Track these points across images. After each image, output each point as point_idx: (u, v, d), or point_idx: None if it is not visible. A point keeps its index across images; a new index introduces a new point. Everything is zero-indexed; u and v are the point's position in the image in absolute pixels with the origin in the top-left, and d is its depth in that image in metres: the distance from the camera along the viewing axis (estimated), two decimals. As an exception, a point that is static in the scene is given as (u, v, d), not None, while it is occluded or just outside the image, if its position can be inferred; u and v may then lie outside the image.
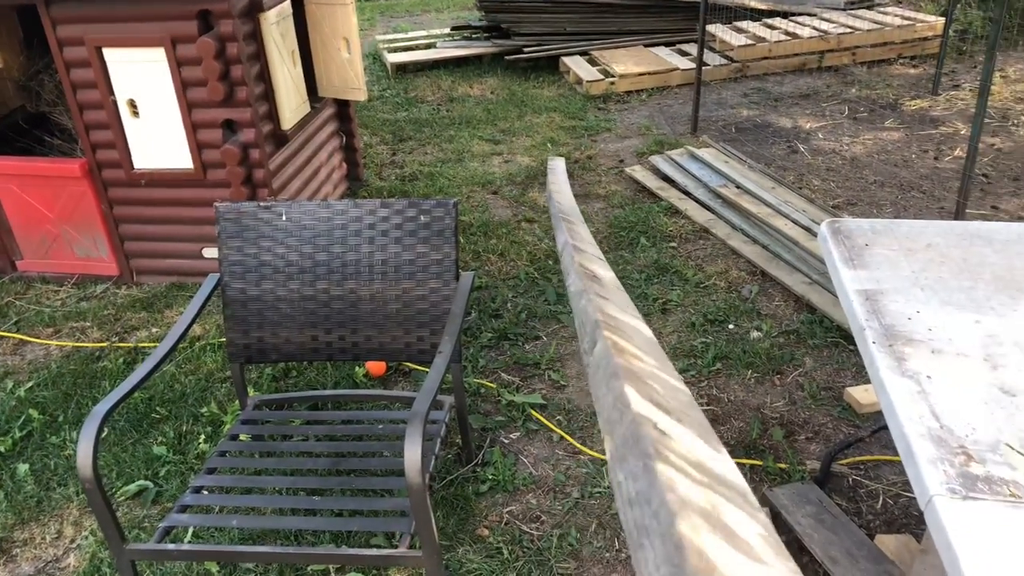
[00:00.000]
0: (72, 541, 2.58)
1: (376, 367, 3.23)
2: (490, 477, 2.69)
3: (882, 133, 5.42)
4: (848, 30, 6.84)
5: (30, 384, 3.33)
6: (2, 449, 2.94)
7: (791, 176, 4.82)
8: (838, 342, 3.25)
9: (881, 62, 6.85)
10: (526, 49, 7.17)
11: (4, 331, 3.72)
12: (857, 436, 2.51)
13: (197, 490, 2.28)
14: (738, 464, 2.68)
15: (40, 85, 4.38)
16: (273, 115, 3.82)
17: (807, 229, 3.95)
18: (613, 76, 6.56)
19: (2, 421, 3.10)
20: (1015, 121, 5.46)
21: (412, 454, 1.86)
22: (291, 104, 3.92)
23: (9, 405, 3.20)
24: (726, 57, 6.86)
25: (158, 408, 3.11)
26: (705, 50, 5.55)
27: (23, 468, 2.86)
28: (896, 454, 2.60)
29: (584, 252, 1.70)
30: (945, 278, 1.95)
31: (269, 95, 3.76)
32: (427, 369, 3.25)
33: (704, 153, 4.97)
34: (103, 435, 2.96)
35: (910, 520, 2.43)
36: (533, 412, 2.99)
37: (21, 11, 4.32)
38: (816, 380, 3.06)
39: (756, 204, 4.28)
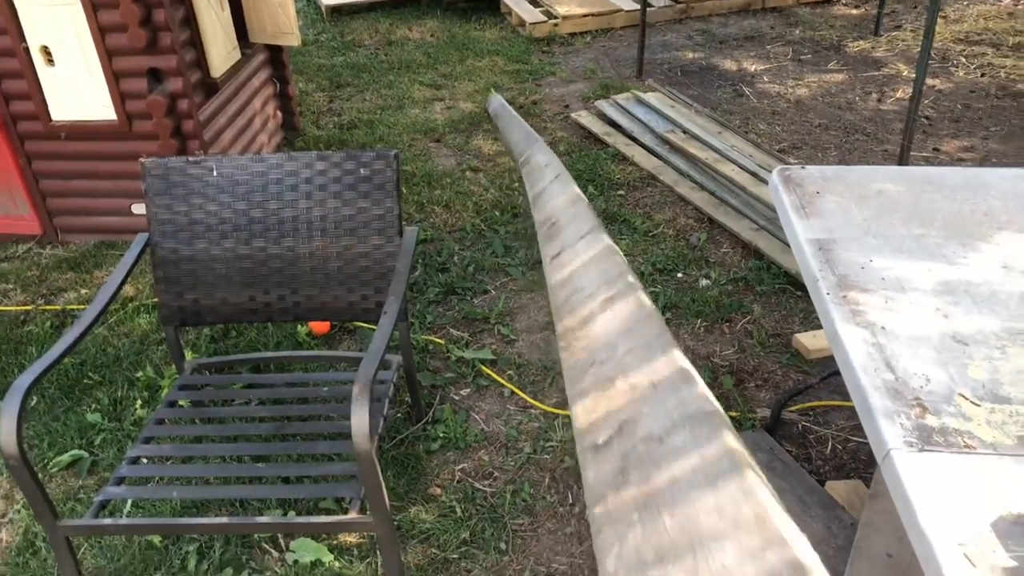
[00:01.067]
0: (3, 515, 2.47)
1: (320, 326, 3.13)
2: (441, 435, 2.64)
3: (826, 75, 5.41)
4: (791, -30, 6.78)
5: (-50, 352, 3.15)
6: (-77, 422, 2.78)
7: (737, 120, 4.79)
8: (786, 288, 3.26)
9: (824, 3, 6.82)
10: (467, -10, 6.96)
11: (-80, 296, 3.51)
12: (806, 383, 2.52)
13: (134, 460, 2.18)
14: (689, 414, 2.68)
15: (-55, 30, 4.07)
16: (201, 62, 3.62)
17: (754, 174, 3.93)
18: (556, 18, 6.41)
19: (-78, 392, 2.93)
20: (954, 62, 5.50)
21: (359, 419, 1.79)
22: (220, 50, 3.71)
23: (-72, 375, 3.03)
24: (670, -2, 6.75)
25: (90, 373, 2.97)
26: (650, -9, 5.43)
27: (-53, 441, 2.70)
28: (845, 399, 2.63)
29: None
30: (896, 225, 1.93)
31: (196, 41, 3.56)
32: (373, 326, 3.16)
33: (650, 97, 4.89)
34: (31, 404, 2.83)
35: (859, 465, 2.46)
36: (483, 368, 2.94)
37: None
38: (765, 327, 3.07)
39: (703, 149, 4.25)
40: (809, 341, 2.91)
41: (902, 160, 3.62)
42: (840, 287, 1.74)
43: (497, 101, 4.79)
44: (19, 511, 2.46)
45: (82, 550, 2.28)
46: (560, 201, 2.83)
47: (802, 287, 3.21)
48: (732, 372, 2.85)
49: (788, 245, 3.41)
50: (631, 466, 1.65)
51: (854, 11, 6.65)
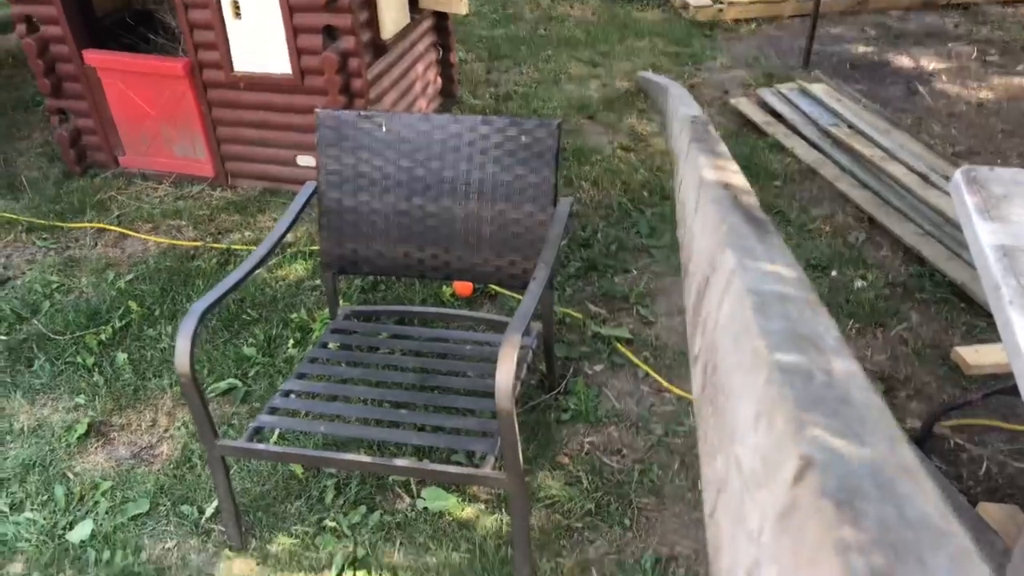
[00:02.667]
0: (166, 430, 2.68)
1: (463, 287, 3.20)
2: (572, 406, 2.65)
3: (1014, 79, 5.02)
4: (985, -36, 6.31)
5: (130, 277, 3.42)
6: (103, 337, 3.05)
7: (908, 119, 4.53)
8: (948, 298, 3.07)
9: (1018, 1, 6.31)
10: (632, -31, 6.86)
11: (107, 223, 3.83)
12: (966, 398, 2.37)
13: (286, 394, 2.31)
14: (832, 416, 2.58)
15: (147, -18, 4.39)
16: (374, 24, 3.75)
17: (923, 176, 3.70)
18: (722, 3, 6.23)
19: (104, 311, 3.21)
20: None
21: (504, 376, 1.82)
22: (392, 13, 3.83)
23: (110, 295, 3.31)
24: (846, -13, 6.43)
25: (249, 310, 3.17)
26: (826, -22, 5.18)
27: (122, 357, 2.96)
28: (1007, 420, 2.46)
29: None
30: (1094, 238, 1.78)
31: (371, 3, 3.68)
32: (514, 294, 3.21)
33: (816, 89, 4.69)
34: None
35: (1015, 491, 2.30)
36: (619, 346, 2.93)
37: (131, -96, 4.30)
38: (921, 336, 2.90)
39: (869, 146, 4.04)
40: (971, 356, 2.73)
41: (1097, 174, 3.32)
42: (1025, 296, 1.62)
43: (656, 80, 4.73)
44: (179, 428, 2.66)
45: (231, 471, 2.44)
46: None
47: (967, 299, 3.02)
48: (883, 379, 2.72)
49: (955, 253, 3.20)
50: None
51: (1052, 12, 6.12)
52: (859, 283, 3.19)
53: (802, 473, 0.50)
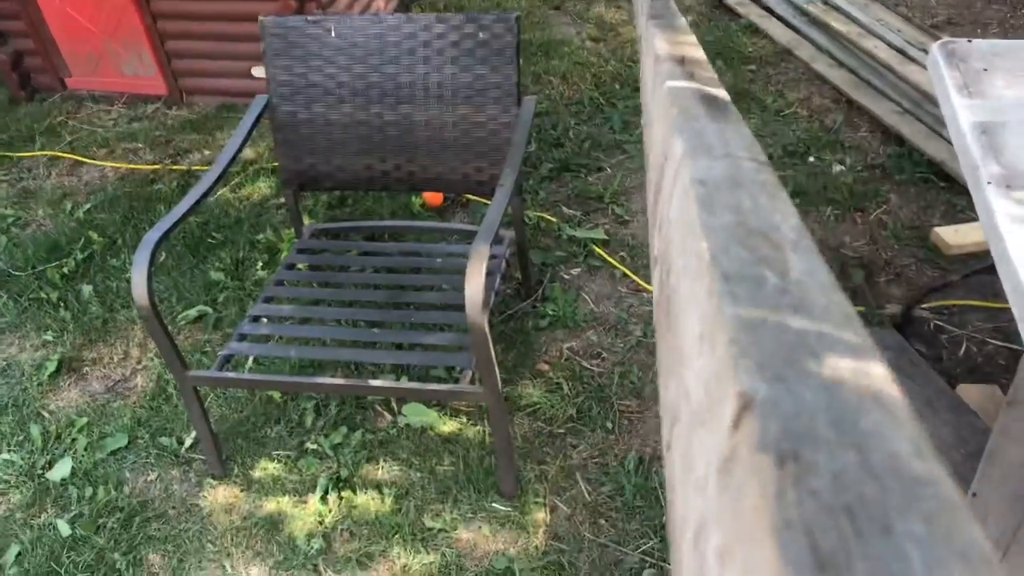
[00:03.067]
0: (139, 362, 2.63)
1: (433, 197, 3.11)
2: (550, 313, 2.62)
3: (995, -59, 4.82)
4: None
5: (88, 206, 3.31)
6: (66, 271, 2.96)
7: (887, -9, 4.35)
8: (928, 178, 3.01)
9: None
10: None
11: (60, 151, 3.68)
12: (946, 279, 2.35)
13: (255, 319, 2.25)
14: (811, 306, 2.55)
15: None
16: (319, -82, 3.51)
17: (902, 52, 3.58)
18: None
19: (64, 243, 3.11)
20: None
21: (473, 291, 1.77)
22: (338, -94, 3.59)
23: (69, 227, 3.20)
24: None
25: (214, 233, 3.07)
26: None
27: (87, 289, 2.88)
28: (986, 299, 2.44)
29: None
30: (1079, 110, 1.71)
31: None
32: (486, 200, 3.12)
33: (790, -36, 4.49)
34: (161, 260, 2.96)
35: (994, 369, 2.31)
36: (595, 248, 2.87)
37: None
38: (901, 219, 2.86)
39: (846, 23, 3.89)
40: (950, 236, 2.70)
41: (1079, 39, 3.22)
42: (1005, 178, 1.56)
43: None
44: (152, 359, 2.61)
45: (208, 399, 2.41)
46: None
47: (947, 178, 2.96)
48: (863, 265, 2.69)
49: (934, 131, 3.13)
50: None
51: None
52: (837, 168, 3.12)
53: (740, 416, 0.42)
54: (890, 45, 3.65)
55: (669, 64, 1.16)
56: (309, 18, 2.34)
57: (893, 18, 3.92)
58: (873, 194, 2.97)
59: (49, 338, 2.72)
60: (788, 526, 0.34)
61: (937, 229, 2.74)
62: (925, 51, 3.57)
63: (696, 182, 0.78)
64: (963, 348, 2.39)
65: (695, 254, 0.65)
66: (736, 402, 0.44)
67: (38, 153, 3.67)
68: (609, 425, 2.25)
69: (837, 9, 4.01)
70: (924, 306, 2.51)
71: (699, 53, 1.27)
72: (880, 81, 3.51)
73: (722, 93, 1.04)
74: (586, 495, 2.09)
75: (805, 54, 3.81)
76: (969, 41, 2.01)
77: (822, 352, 0.50)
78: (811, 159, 3.18)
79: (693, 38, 1.34)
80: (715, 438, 0.43)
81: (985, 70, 1.93)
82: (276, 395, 2.39)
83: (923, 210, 2.89)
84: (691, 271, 0.65)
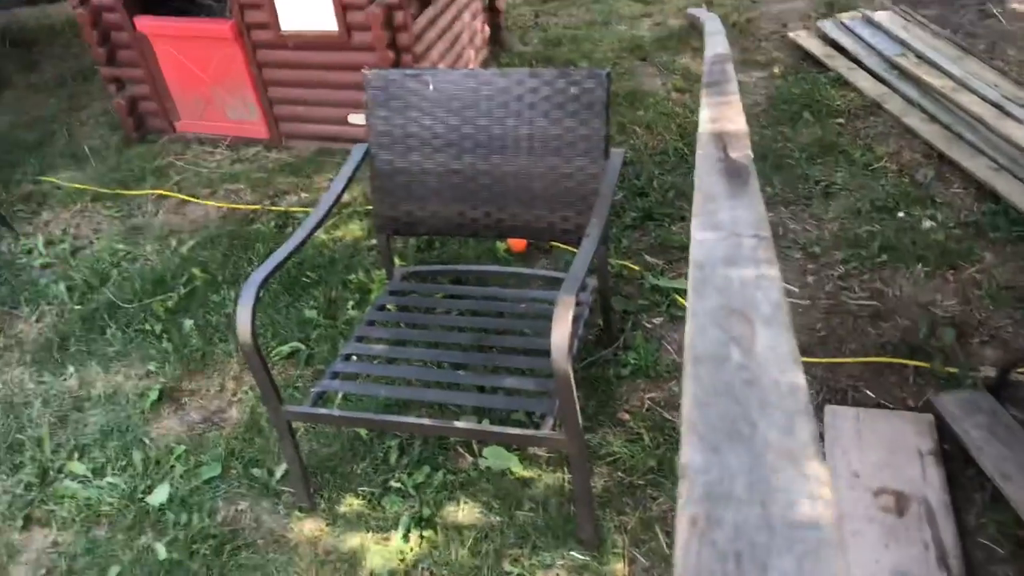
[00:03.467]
0: (234, 395, 2.75)
1: (518, 243, 3.18)
2: (632, 361, 2.63)
3: (1098, -6, 4.69)
4: None
5: (191, 243, 3.49)
6: (170, 304, 3.13)
7: (982, 44, 4.28)
8: (1025, 236, 2.93)
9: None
10: None
11: (167, 190, 3.90)
12: (1043, 344, 2.27)
13: (347, 357, 2.35)
14: (901, 365, 2.51)
15: (191, -56, 4.38)
16: (418, -25, 3.68)
17: (998, 107, 3.51)
18: (780, -73, 5.93)
19: (168, 278, 3.29)
20: None
21: (559, 338, 1.81)
22: (436, -38, 3.75)
23: (174, 262, 3.38)
24: (913, -97, 6.06)
25: (308, 273, 3.21)
26: None
27: (188, 323, 3.04)
28: (1087, 367, 2.35)
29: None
30: None
31: (414, -47, 3.61)
32: (569, 248, 3.17)
33: (880, 16, 4.47)
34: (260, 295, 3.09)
35: (1096, 439, 2.21)
36: (678, 298, 2.89)
37: None
38: (996, 278, 2.79)
39: (938, 76, 3.84)
40: (1049, 298, 2.61)
41: None
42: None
43: (707, 16, 4.56)
44: (247, 392, 2.73)
45: (298, 433, 2.50)
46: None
47: (1046, 237, 2.88)
48: (954, 324, 2.63)
49: (1034, 189, 3.04)
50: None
51: None
52: (928, 223, 3.06)
53: (680, 481, 0.50)
54: (985, 99, 3.58)
55: (706, 140, 1.21)
56: (409, 72, 2.46)
57: (989, 72, 3.85)
58: (967, 252, 2.90)
59: (152, 368, 2.87)
60: (685, 573, 0.42)
61: (1035, 290, 2.66)
62: (1023, 106, 3.49)
63: (695, 265, 0.83)
64: (1063, 415, 2.30)
65: (685, 333, 0.71)
66: (679, 472, 0.52)
67: (148, 192, 3.90)
68: (689, 477, 2.24)
69: (930, 62, 3.96)
70: (1021, 371, 2.43)
71: (739, 125, 1.30)
72: (974, 136, 3.45)
73: (745, 172, 1.08)
74: (665, 548, 2.08)
75: (895, 107, 3.77)
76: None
77: (760, 422, 0.56)
78: (900, 214, 3.13)
79: (738, 108, 1.37)
80: (681, 500, 0.51)
81: (1088, 132, 1.89)
82: (363, 432, 2.47)
83: (1020, 270, 2.81)
84: (685, 348, 0.71)
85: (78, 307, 3.21)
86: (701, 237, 0.80)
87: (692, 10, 4.97)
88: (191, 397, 2.76)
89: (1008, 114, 3.45)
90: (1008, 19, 4.53)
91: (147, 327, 3.04)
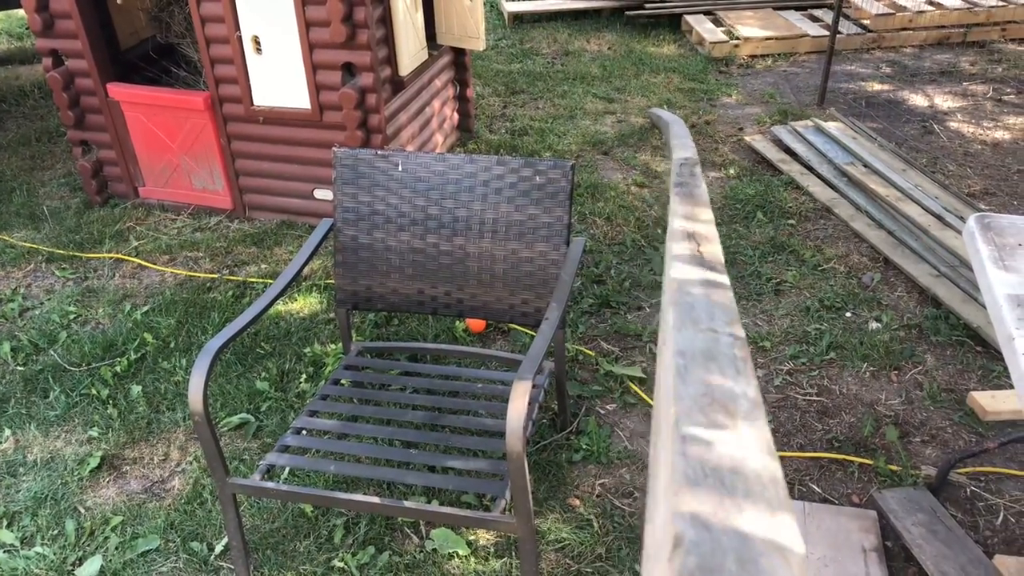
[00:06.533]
0: (178, 465, 2.68)
1: (476, 323, 3.21)
2: (584, 446, 2.64)
3: (1030, 118, 5.01)
4: (1000, 3, 6.33)
5: (146, 308, 3.45)
6: (118, 369, 3.07)
7: (924, 159, 4.52)
8: (964, 341, 3.04)
9: (1034, 40, 6.32)
10: (648, 5, 6.93)
11: (125, 255, 3.87)
12: (982, 445, 2.34)
13: (298, 431, 2.32)
14: (846, 461, 2.56)
15: (171, 16, 4.47)
16: (392, 60, 3.80)
17: (939, 217, 3.69)
18: (738, 39, 6.27)
19: (119, 342, 3.24)
20: None
21: (515, 419, 1.82)
22: (410, 50, 3.88)
23: (126, 327, 3.34)
24: (860, 26, 6.46)
25: (263, 343, 3.18)
26: (838, 17, 5.21)
27: (136, 389, 2.98)
28: (1023, 468, 2.43)
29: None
30: (1110, 289, 1.77)
31: (389, 39, 3.73)
32: (527, 330, 3.21)
33: (831, 127, 4.70)
34: (211, 365, 3.05)
35: (1032, 542, 2.27)
36: (632, 385, 2.92)
37: (157, -58, 4.40)
38: (937, 380, 2.88)
39: (884, 186, 4.04)
40: (987, 401, 2.70)
41: (1114, 217, 3.30)
42: (1040, 349, 1.61)
43: (669, 115, 4.76)
44: (191, 463, 2.66)
45: (242, 507, 2.44)
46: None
47: (983, 343, 3.00)
48: (897, 423, 2.70)
49: (970, 296, 3.18)
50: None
51: (1069, 51, 6.12)
52: (874, 325, 3.17)
53: (673, 552, 0.52)
54: (927, 210, 3.77)
55: (678, 239, 1.27)
56: (379, 152, 2.52)
57: (930, 184, 4.06)
58: (909, 354, 3.00)
59: (94, 434, 2.79)
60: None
61: (974, 394, 2.74)
62: (962, 218, 3.68)
63: (677, 353, 0.87)
64: (1000, 517, 2.35)
65: (666, 416, 0.74)
66: (672, 542, 0.54)
67: (105, 255, 3.87)
68: (637, 567, 2.23)
69: (877, 172, 4.16)
70: (960, 471, 2.49)
71: (709, 229, 1.37)
72: (917, 244, 3.61)
73: (719, 267, 1.14)
74: (611, 638, 2.05)
75: (844, 213, 3.94)
76: (995, 217, 2.10)
77: (746, 507, 0.59)
78: (848, 314, 3.24)
79: (708, 211, 1.45)
80: (660, 569, 0.53)
81: (1020, 245, 2.01)
82: (308, 509, 2.42)
83: (959, 373, 2.91)
84: (663, 431, 0.73)
85: (21, 368, 3.13)
86: (679, 326, 0.84)
87: (655, 110, 5.19)
88: (133, 465, 2.69)
89: (948, 224, 3.63)
90: (948, 137, 4.80)
91: (93, 391, 2.97)
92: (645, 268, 3.61)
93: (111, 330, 3.33)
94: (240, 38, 3.64)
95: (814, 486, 2.49)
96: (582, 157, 4.67)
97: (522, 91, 5.71)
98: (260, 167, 4.01)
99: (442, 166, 2.51)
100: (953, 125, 4.95)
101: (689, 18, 6.73)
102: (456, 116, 4.86)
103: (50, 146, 5.08)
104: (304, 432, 2.40)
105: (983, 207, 3.91)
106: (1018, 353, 1.64)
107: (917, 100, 5.35)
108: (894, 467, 2.52)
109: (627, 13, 6.96)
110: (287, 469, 2.52)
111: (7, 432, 2.83)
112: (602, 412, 2.82)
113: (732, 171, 4.43)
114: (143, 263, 3.80)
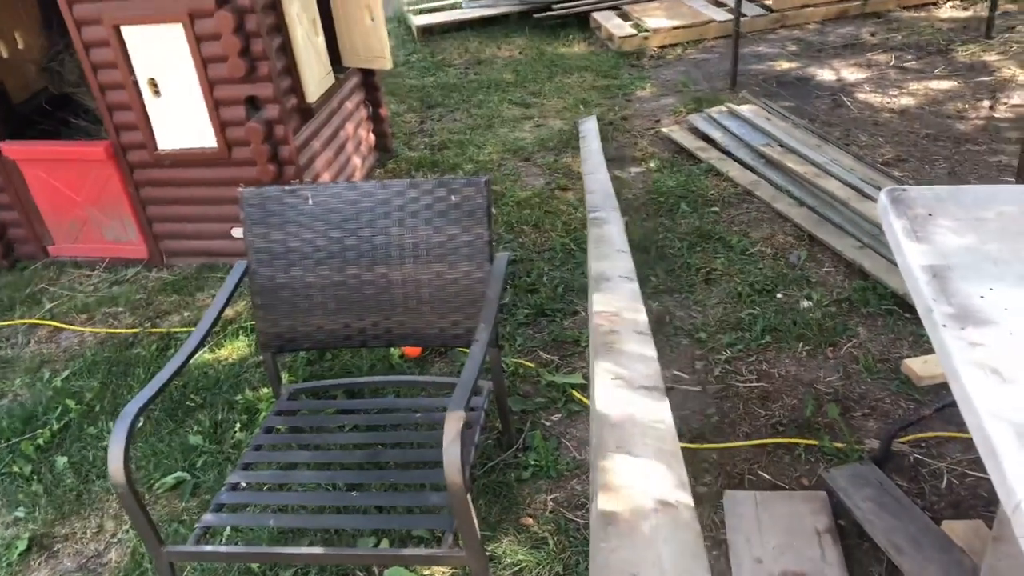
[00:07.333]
0: (113, 535, 2.56)
1: (412, 348, 3.15)
2: (532, 463, 2.60)
3: (932, 82, 5.15)
4: (893, -28, 6.52)
5: (66, 373, 3.30)
6: (41, 442, 2.93)
7: (837, 132, 4.61)
8: (893, 310, 3.09)
9: (928, 5, 6.51)
10: (555, 6, 6.95)
11: (38, 318, 3.70)
12: (919, 413, 2.37)
13: (233, 487, 2.22)
14: (792, 444, 2.57)
15: (62, 66, 4.31)
16: (297, 89, 3.71)
17: (857, 189, 3.76)
18: (646, 31, 6.33)
19: (40, 412, 3.08)
20: (1075, 63, 5.16)
21: (451, 453, 1.77)
22: (315, 76, 3.80)
23: (46, 395, 3.18)
24: (763, 7, 6.58)
25: (192, 396, 3.07)
26: (742, 0, 5.29)
27: (62, 461, 2.84)
28: (961, 430, 2.46)
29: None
30: (1020, 251, 1.80)
31: (292, 68, 3.65)
32: (465, 349, 3.16)
33: (744, 110, 4.76)
34: (139, 426, 2.93)
35: (978, 502, 2.30)
36: (574, 393, 2.89)
37: (39, -10, 4.23)
38: (871, 352, 2.92)
39: (802, 163, 4.10)
40: (920, 367, 2.75)
41: (1021, 172, 3.40)
42: (958, 319, 1.62)
43: (590, 127, 4.77)
44: (127, 531, 2.54)
45: (184, 572, 2.34)
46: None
47: (911, 309, 3.05)
48: (837, 400, 2.72)
49: (895, 264, 3.24)
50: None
51: (962, 13, 6.32)
52: (805, 303, 3.20)
53: None
54: (845, 183, 3.83)
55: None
56: (287, 187, 2.44)
57: (846, 157, 4.13)
58: (842, 328, 3.04)
59: (20, 515, 2.65)
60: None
61: (907, 361, 2.79)
62: (878, 188, 3.75)
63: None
64: (944, 481, 2.38)
65: None
66: None
67: (17, 321, 3.69)
68: (597, 580, 2.20)
69: (793, 151, 4.22)
70: (902, 440, 2.52)
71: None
72: (839, 217, 3.66)
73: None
74: (577, 658, 2.01)
75: (766, 194, 3.98)
76: (905, 189, 2.12)
77: None
78: (779, 296, 3.27)
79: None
80: None
81: (930, 215, 2.03)
82: (255, 566, 2.33)
83: (892, 342, 2.96)
84: None
85: (-64, 453, 2.96)
86: None
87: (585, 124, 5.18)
88: (65, 543, 2.55)
89: (866, 196, 3.69)
90: (857, 108, 4.91)
91: (15, 469, 2.82)
92: (577, 271, 3.59)
93: (30, 401, 3.17)
94: (136, 82, 3.51)
95: (763, 473, 2.49)
96: (503, 166, 4.64)
97: (438, 104, 5.66)
98: (173, 211, 3.88)
99: (354, 195, 2.44)
100: (861, 96, 5.07)
101: (597, 15, 6.76)
102: (372, 137, 4.78)
103: (-50, 212, 4.85)
104: (241, 486, 2.30)
105: (897, 174, 4.00)
106: (938, 326, 1.65)
107: (825, 75, 5.46)
108: (839, 444, 2.54)
109: (535, 16, 6.96)
110: (227, 528, 2.42)
111: (-75, 524, 2.67)
112: (547, 424, 2.79)
113: (653, 164, 4.44)
114: (59, 325, 3.64)
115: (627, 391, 1.94)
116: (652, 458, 1.68)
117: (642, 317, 2.44)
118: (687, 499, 1.54)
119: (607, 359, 2.15)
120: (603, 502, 1.53)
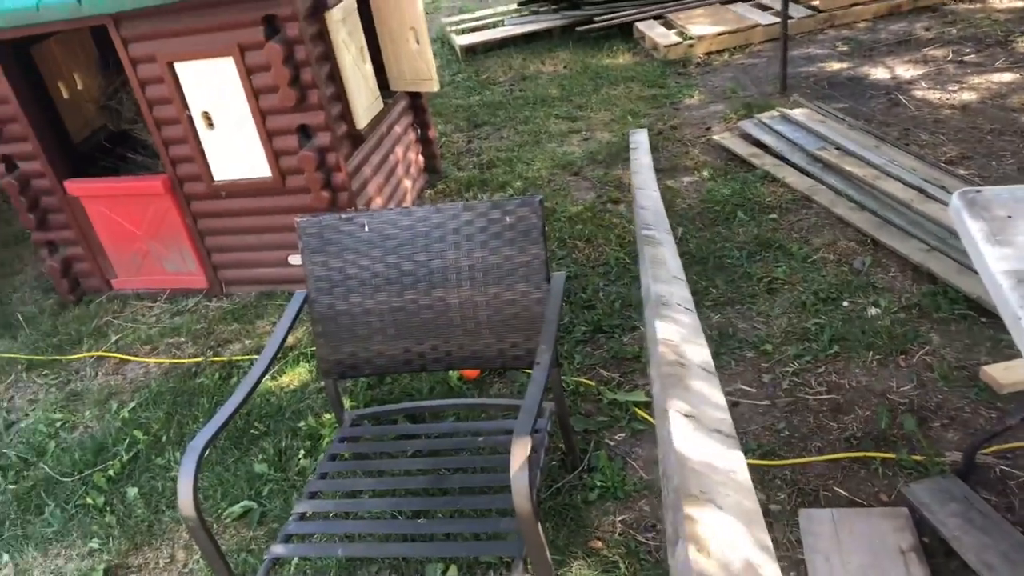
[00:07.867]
0: (185, 566, 2.58)
1: (471, 370, 3.13)
2: (598, 484, 2.55)
3: (993, 75, 4.98)
4: (945, -36, 6.35)
5: (133, 404, 3.36)
6: (111, 473, 2.98)
7: (895, 132, 4.48)
8: (967, 314, 2.97)
9: (983, -4, 6.33)
10: (596, 18, 6.92)
11: (105, 351, 3.78)
12: (1004, 423, 2.26)
13: (300, 516, 2.22)
14: (868, 458, 2.47)
15: (119, 103, 4.42)
16: (347, 115, 3.74)
17: (920, 190, 3.64)
18: (691, 38, 6.25)
19: (110, 444, 3.14)
20: None
21: (519, 483, 1.74)
22: (364, 102, 3.82)
23: (115, 427, 3.24)
24: (810, 8, 6.46)
25: (256, 424, 3.09)
26: (788, 2, 5.20)
27: (132, 492, 2.88)
28: (1051, 442, 2.35)
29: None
30: (1111, 251, 1.70)
31: (341, 95, 3.68)
32: (526, 370, 3.12)
33: (797, 114, 4.66)
34: (205, 456, 2.96)
35: (1072, 516, 2.18)
36: (637, 411, 2.84)
37: (94, 32, 4.35)
38: (946, 359, 2.80)
39: (860, 166, 3.98)
40: (1001, 374, 2.63)
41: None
42: (1050, 326, 1.54)
43: (641, 139, 4.72)
44: (198, 562, 2.56)
45: (255, 602, 2.34)
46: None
47: (987, 312, 2.93)
48: (913, 410, 2.62)
49: (965, 267, 3.12)
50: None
51: (1020, 3, 6.12)
52: (873, 310, 3.10)
53: None
54: (907, 184, 3.71)
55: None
56: (343, 216, 2.45)
57: (906, 158, 4.01)
58: (913, 335, 2.93)
59: (95, 545, 2.69)
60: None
61: (986, 368, 2.67)
62: (943, 187, 3.62)
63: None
64: (1035, 494, 2.27)
65: None
66: None
67: (85, 355, 3.78)
68: (671, 605, 2.14)
69: (850, 153, 4.11)
70: (985, 451, 2.41)
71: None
72: (902, 220, 3.55)
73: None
74: None
75: (824, 199, 3.88)
76: (980, 191, 2.03)
77: None
78: (845, 303, 3.17)
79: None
80: None
81: (1009, 217, 1.94)
82: (324, 594, 2.32)
83: (968, 348, 2.84)
84: None
85: (12, 486, 3.03)
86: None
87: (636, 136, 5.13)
88: (139, 573, 2.58)
89: (931, 196, 3.57)
90: (915, 106, 4.77)
91: (88, 500, 2.87)
92: (633, 285, 3.54)
93: (99, 432, 3.23)
94: (190, 116, 3.58)
95: (839, 489, 2.40)
96: (553, 181, 4.61)
97: (484, 123, 5.66)
98: (230, 242, 3.94)
99: (409, 220, 2.44)
100: (918, 93, 4.92)
101: (640, 25, 6.72)
102: (421, 159, 4.80)
103: (18, 250, 5.01)
104: (308, 515, 2.30)
105: (962, 172, 3.86)
106: (1028, 333, 1.57)
107: (879, 74, 5.33)
108: (918, 457, 2.44)
109: (577, 29, 6.94)
110: (294, 560, 2.42)
111: (5, 558, 2.73)
112: (611, 444, 2.74)
113: (706, 173, 4.37)
114: (124, 357, 3.71)
115: (702, 434, 1.92)
116: (734, 514, 1.69)
117: (706, 353, 2.39)
118: (772, 566, 1.57)
119: (676, 395, 2.11)
120: (692, 553, 1.54)
